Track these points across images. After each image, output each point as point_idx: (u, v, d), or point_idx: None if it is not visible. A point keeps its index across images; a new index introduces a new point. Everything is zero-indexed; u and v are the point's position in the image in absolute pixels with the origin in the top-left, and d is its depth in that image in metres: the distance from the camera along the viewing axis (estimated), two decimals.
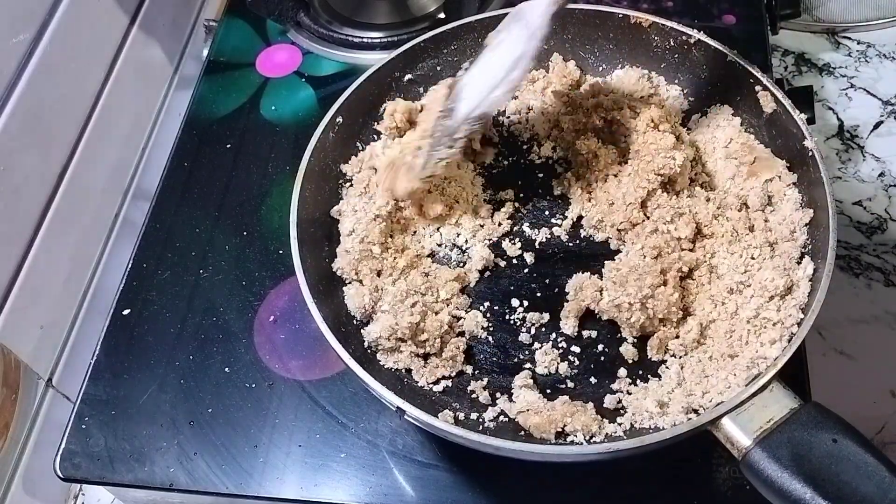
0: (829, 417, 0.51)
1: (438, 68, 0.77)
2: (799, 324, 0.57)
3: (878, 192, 0.95)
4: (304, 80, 0.89)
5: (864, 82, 1.05)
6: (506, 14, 0.76)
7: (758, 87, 0.69)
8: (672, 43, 0.75)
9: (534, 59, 0.64)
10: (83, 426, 0.67)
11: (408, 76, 0.76)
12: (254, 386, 0.68)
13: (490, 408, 0.60)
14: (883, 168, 0.97)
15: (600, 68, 0.79)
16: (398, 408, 0.55)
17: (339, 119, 0.71)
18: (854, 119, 1.01)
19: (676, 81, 0.76)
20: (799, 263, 0.62)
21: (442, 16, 0.91)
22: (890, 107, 1.02)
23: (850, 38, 1.09)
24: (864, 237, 0.91)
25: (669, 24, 0.74)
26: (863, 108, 1.02)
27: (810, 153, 0.64)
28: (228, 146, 0.83)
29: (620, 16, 0.75)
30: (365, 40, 0.90)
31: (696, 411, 0.56)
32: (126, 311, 0.73)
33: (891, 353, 0.82)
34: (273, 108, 0.86)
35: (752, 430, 0.52)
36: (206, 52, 0.92)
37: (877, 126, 1.00)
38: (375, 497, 0.62)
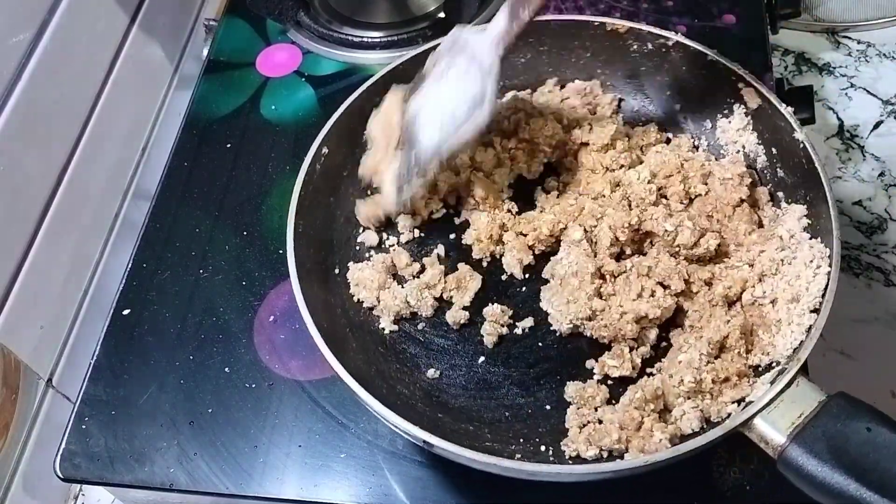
0: (859, 406, 0.50)
1: None
2: (815, 316, 0.57)
3: (878, 192, 0.94)
4: (304, 79, 0.89)
5: (864, 82, 1.05)
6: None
7: (741, 84, 0.69)
8: (650, 47, 0.74)
9: (496, 101, 0.64)
10: (83, 426, 0.67)
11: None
12: (254, 386, 0.68)
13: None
14: (883, 168, 0.97)
15: (577, 78, 0.77)
16: (425, 441, 0.54)
17: (335, 132, 0.70)
18: (854, 119, 1.01)
19: (657, 85, 0.75)
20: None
21: (442, 15, 0.91)
22: (890, 106, 1.02)
23: (850, 38, 1.09)
24: (864, 237, 0.91)
25: (647, 28, 0.73)
26: (863, 107, 1.02)
27: (801, 145, 0.64)
28: (228, 146, 0.83)
29: (596, 24, 0.74)
30: (365, 40, 0.90)
31: (708, 420, 0.57)
32: (126, 311, 0.73)
33: (891, 353, 0.82)
34: (273, 107, 0.86)
35: (784, 427, 0.51)
36: (206, 52, 0.92)
37: (877, 126, 1.00)
38: (375, 497, 0.62)
